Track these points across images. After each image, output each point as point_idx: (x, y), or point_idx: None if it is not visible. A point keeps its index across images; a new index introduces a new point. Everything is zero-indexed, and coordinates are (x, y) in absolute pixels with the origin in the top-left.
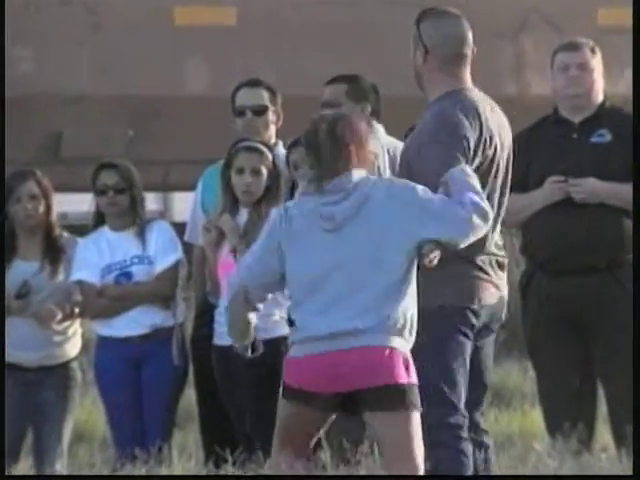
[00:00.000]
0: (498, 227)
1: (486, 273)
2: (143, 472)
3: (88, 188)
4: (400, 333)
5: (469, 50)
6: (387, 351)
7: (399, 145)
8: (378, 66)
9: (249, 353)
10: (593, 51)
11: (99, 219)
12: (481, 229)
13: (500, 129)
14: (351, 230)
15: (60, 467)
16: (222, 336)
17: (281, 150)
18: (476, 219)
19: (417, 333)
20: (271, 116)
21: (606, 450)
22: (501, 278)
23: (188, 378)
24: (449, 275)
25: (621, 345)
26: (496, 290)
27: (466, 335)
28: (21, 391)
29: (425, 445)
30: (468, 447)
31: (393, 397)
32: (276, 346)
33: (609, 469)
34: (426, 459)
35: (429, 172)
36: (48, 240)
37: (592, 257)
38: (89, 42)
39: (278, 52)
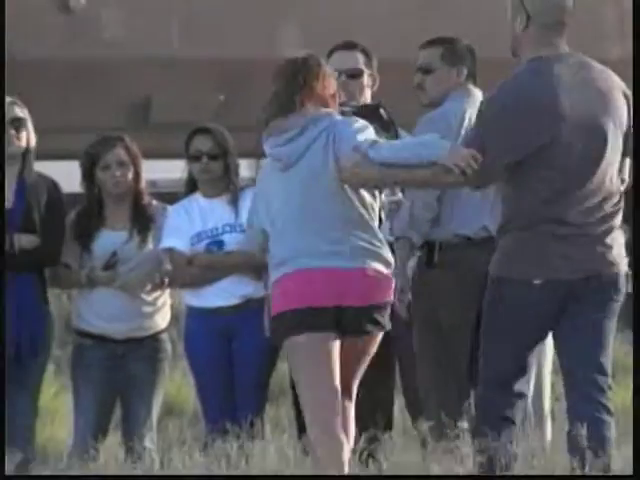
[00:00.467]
0: (585, 200)
1: (564, 245)
2: (235, 447)
3: (177, 155)
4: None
5: (569, 18)
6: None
7: None
8: (475, 28)
9: None
10: None
11: (191, 186)
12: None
13: (589, 101)
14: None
15: (149, 442)
16: None
17: None
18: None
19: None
20: (366, 80)
21: None
22: (586, 251)
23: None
24: (524, 246)
25: None
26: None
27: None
28: (109, 364)
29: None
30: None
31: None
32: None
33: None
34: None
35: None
36: (136, 208)
37: None
38: (179, 4)
39: (374, 13)
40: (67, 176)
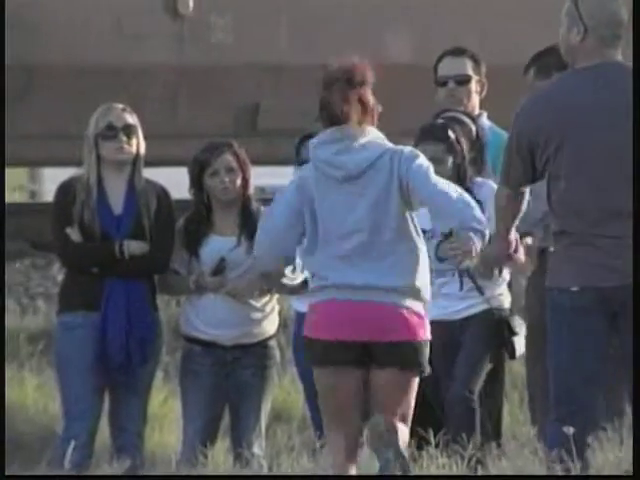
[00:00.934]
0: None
1: (603, 256)
2: None
3: (286, 161)
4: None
5: (625, 31)
6: (404, 310)
7: None
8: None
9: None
10: None
11: None
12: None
13: (614, 110)
14: (364, 182)
15: (258, 449)
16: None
17: (485, 121)
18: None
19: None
20: (474, 86)
21: None
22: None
23: None
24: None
25: None
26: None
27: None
28: (218, 370)
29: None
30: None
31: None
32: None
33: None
34: None
35: None
36: (245, 214)
37: None
38: (288, 10)
39: (482, 20)
40: (176, 183)
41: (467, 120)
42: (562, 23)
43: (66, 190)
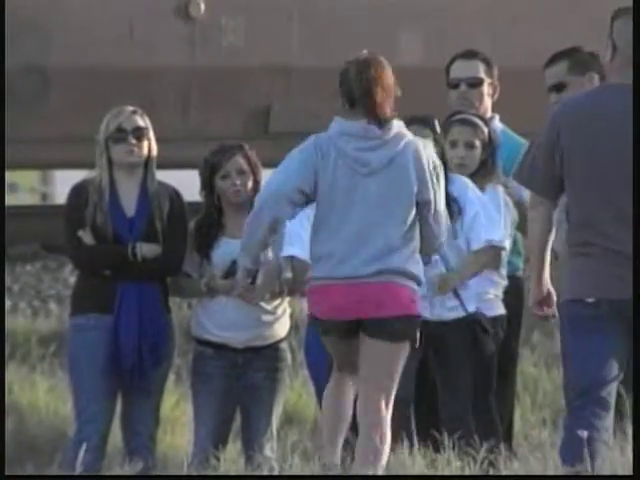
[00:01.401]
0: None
1: (616, 269)
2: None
3: None
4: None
5: None
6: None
7: None
8: (594, 34)
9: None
10: None
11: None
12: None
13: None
14: (381, 177)
15: (269, 451)
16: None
17: (497, 124)
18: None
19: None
20: (486, 89)
21: None
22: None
23: None
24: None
25: None
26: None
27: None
28: (230, 373)
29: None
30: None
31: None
32: (491, 326)
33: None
34: None
35: None
36: None
37: None
38: (299, 12)
39: (495, 22)
40: (187, 185)
41: (479, 122)
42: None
43: (78, 193)
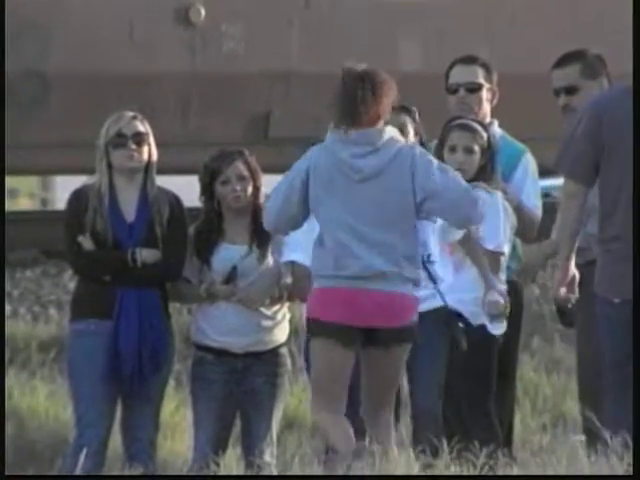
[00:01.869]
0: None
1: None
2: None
3: None
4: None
5: None
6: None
7: None
8: (599, 40)
9: None
10: None
11: None
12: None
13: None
14: (374, 184)
15: (269, 456)
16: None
17: (496, 129)
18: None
19: None
20: (485, 94)
21: None
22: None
23: None
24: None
25: None
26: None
27: None
28: (229, 378)
29: None
30: None
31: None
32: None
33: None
34: None
35: None
36: (256, 222)
37: None
38: (299, 18)
39: (494, 28)
40: (187, 190)
41: (479, 127)
42: None
43: (78, 198)
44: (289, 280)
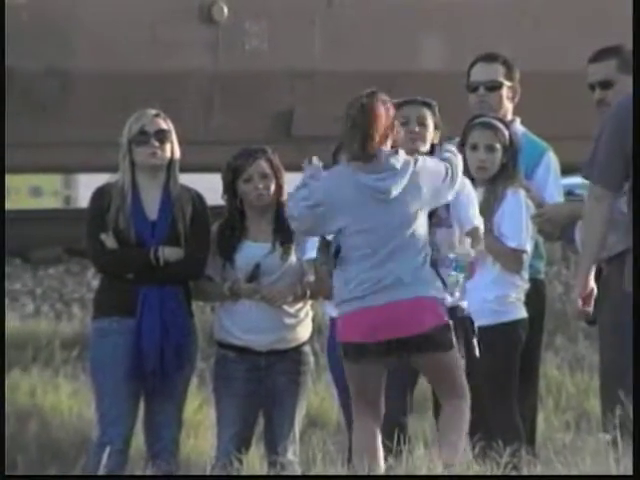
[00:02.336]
0: None
1: None
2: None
3: None
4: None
5: None
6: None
7: None
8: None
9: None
10: None
11: None
12: None
13: None
14: (398, 201)
15: (292, 455)
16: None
17: (518, 127)
18: None
19: None
20: (506, 92)
21: None
22: None
23: None
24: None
25: None
26: None
27: None
28: (252, 376)
29: None
30: None
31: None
32: (513, 329)
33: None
34: None
35: None
36: (279, 220)
37: None
38: (322, 17)
39: (517, 26)
40: (210, 189)
41: (500, 125)
42: None
43: (101, 196)
44: (312, 278)
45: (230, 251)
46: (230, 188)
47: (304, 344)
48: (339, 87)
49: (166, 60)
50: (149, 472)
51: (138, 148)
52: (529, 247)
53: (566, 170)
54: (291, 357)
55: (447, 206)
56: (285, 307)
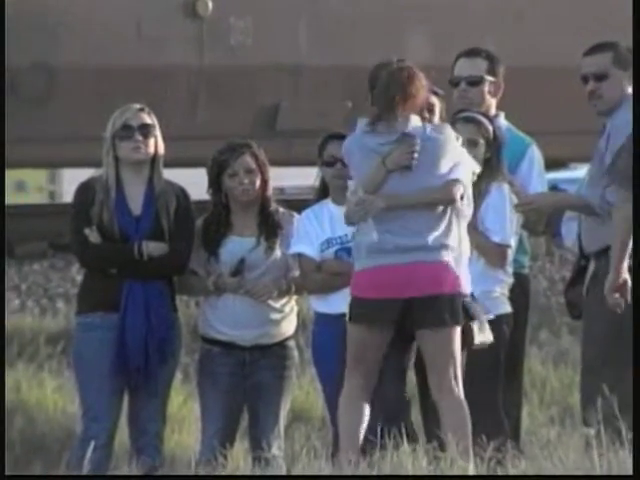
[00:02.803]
0: None
1: None
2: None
3: (304, 162)
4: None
5: None
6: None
7: None
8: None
9: None
10: None
11: (323, 192)
12: None
13: None
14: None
15: (277, 449)
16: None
17: (503, 121)
18: None
19: None
20: (488, 87)
21: None
22: None
23: None
24: None
25: None
26: None
27: None
28: (237, 371)
29: None
30: None
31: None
32: (497, 324)
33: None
34: None
35: None
36: (264, 215)
37: None
38: (307, 12)
39: (501, 21)
40: (194, 183)
41: (483, 120)
42: None
43: (85, 191)
44: (297, 273)
45: (215, 245)
46: (215, 183)
47: (289, 339)
48: (324, 82)
49: (151, 55)
50: (134, 467)
51: (122, 143)
52: (513, 242)
53: (550, 165)
54: (275, 352)
55: None
56: (270, 302)
